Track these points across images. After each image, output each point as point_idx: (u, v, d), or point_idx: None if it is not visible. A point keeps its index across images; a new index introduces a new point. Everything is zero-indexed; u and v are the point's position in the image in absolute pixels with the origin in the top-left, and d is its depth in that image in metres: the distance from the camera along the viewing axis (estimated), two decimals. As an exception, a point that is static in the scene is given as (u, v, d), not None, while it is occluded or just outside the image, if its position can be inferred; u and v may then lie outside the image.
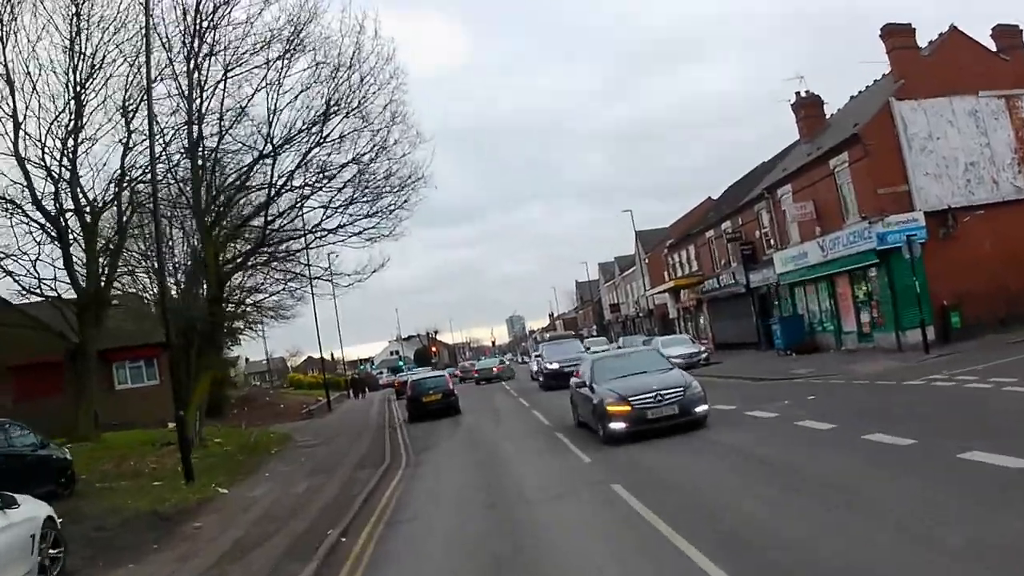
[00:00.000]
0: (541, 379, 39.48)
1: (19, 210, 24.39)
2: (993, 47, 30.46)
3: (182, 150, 25.13)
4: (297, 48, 24.66)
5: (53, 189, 24.52)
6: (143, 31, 19.96)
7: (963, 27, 30.52)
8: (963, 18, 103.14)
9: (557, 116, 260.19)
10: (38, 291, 25.06)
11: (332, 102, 25.18)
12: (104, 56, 23.96)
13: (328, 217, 27.39)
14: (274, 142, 25.52)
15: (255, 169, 26.48)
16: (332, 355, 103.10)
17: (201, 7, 23.65)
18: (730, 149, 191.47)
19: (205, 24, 23.92)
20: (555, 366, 36.82)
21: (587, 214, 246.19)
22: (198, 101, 24.56)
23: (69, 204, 24.91)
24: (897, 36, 30.10)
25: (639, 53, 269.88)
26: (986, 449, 9.88)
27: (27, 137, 24.01)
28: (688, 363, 32.24)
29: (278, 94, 25.08)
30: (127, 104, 24.27)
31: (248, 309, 42.93)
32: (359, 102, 25.39)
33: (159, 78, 24.33)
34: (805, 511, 8.99)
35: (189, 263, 27.58)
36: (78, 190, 24.89)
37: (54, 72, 24.09)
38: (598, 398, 16.59)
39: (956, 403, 15.23)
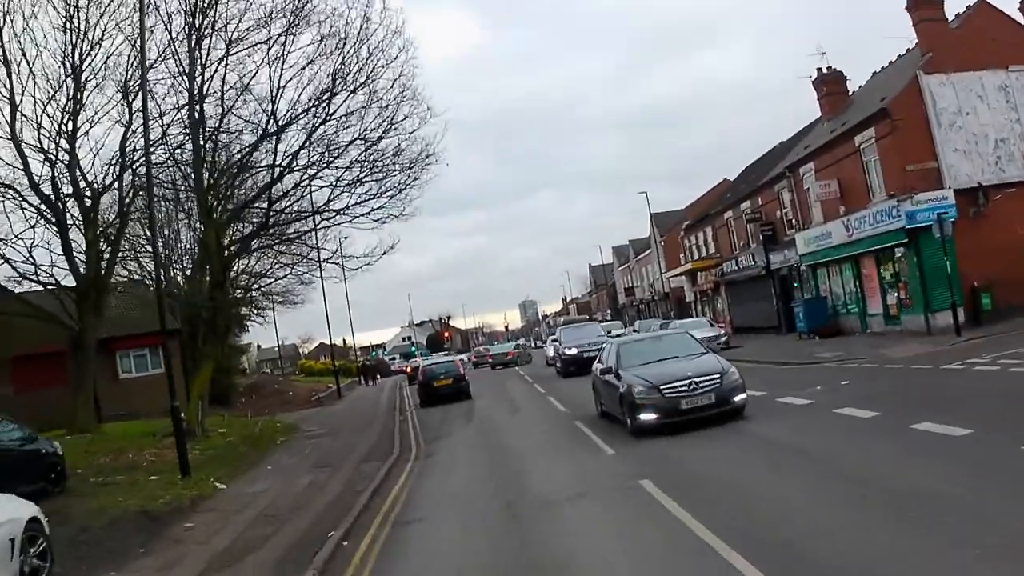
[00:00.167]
0: (559, 365, 37.52)
1: (15, 194, 23.67)
2: (1022, 20, 29.21)
3: (185, 131, 24.37)
4: (302, 20, 23.82)
5: (50, 172, 23.88)
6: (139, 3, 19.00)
7: (991, -1, 29.34)
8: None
9: (571, 102, 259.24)
10: (35, 278, 24.35)
11: (338, 76, 24.27)
12: (103, 34, 23.36)
13: (335, 197, 26.57)
14: (279, 120, 24.69)
15: (259, 148, 25.65)
16: (344, 341, 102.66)
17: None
18: (745, 135, 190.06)
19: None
20: (573, 352, 35.12)
21: (599, 201, 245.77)
22: (199, 79, 23.84)
23: (67, 188, 24.27)
24: (924, 8, 28.83)
25: (652, 40, 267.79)
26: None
27: (23, 119, 23.38)
28: (707, 347, 31.05)
29: (282, 69, 24.24)
30: (128, 83, 23.47)
31: (255, 295, 42.23)
32: (367, 77, 24.51)
33: (160, 58, 23.69)
34: (871, 521, 7.60)
35: (196, 248, 26.89)
36: (77, 173, 24.22)
37: (51, 51, 23.51)
38: (625, 386, 15.22)
39: (1007, 390, 14.02)
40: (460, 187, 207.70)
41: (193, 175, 24.99)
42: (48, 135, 23.69)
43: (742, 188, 48.22)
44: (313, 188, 26.79)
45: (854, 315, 32.85)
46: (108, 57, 23.68)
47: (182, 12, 23.45)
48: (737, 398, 14.78)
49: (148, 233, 27.21)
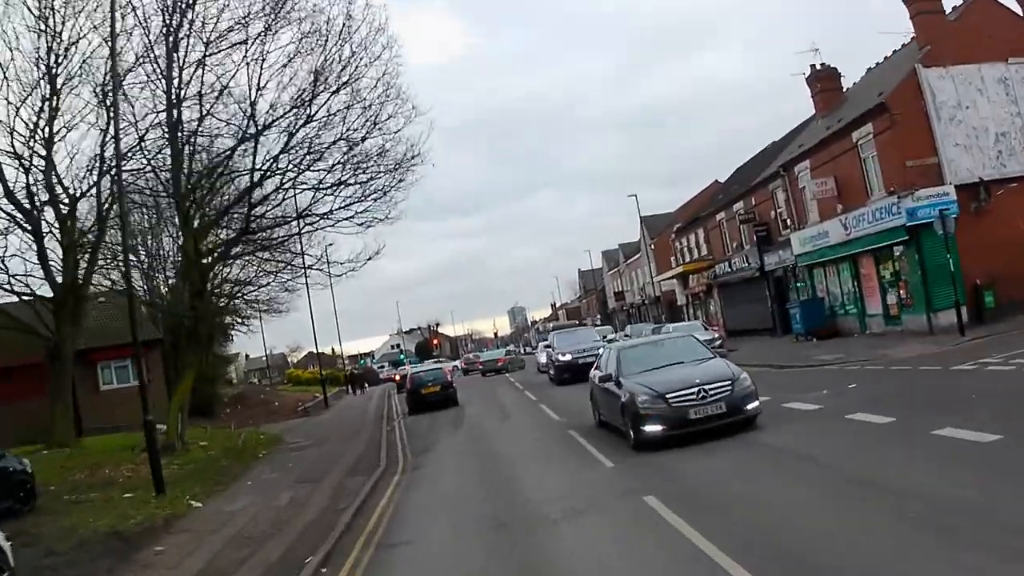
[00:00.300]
0: (552, 372, 36.40)
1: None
2: (1020, 12, 28.61)
3: (164, 135, 23.56)
4: (282, 17, 22.96)
5: (25, 179, 23.18)
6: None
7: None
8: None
9: (571, 102, 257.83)
10: (9, 287, 23.54)
11: (320, 75, 23.42)
12: (79, 35, 22.78)
13: (317, 200, 25.63)
14: (259, 123, 23.83)
15: (239, 151, 24.78)
16: (333, 350, 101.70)
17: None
18: (745, 135, 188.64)
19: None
20: (568, 358, 33.87)
21: (599, 201, 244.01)
22: (177, 80, 22.96)
23: (44, 195, 23.60)
24: (921, 0, 28.27)
25: (652, 40, 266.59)
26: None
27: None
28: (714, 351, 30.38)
29: (261, 68, 23.36)
30: (105, 86, 22.65)
31: (239, 303, 41.30)
32: (350, 75, 23.65)
33: (137, 61, 22.94)
34: (903, 541, 6.89)
35: (180, 256, 26.09)
36: (53, 178, 23.44)
37: (24, 54, 22.76)
38: (627, 395, 14.10)
39: (1027, 392, 13.36)
40: (446, 190, 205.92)
41: (172, 180, 24.15)
42: (23, 140, 23.02)
43: (734, 189, 47.52)
44: (295, 192, 25.92)
45: (852, 316, 32.19)
46: (85, 59, 23.07)
47: (159, 12, 22.62)
48: (750, 406, 13.65)
49: (134, 241, 26.72)
